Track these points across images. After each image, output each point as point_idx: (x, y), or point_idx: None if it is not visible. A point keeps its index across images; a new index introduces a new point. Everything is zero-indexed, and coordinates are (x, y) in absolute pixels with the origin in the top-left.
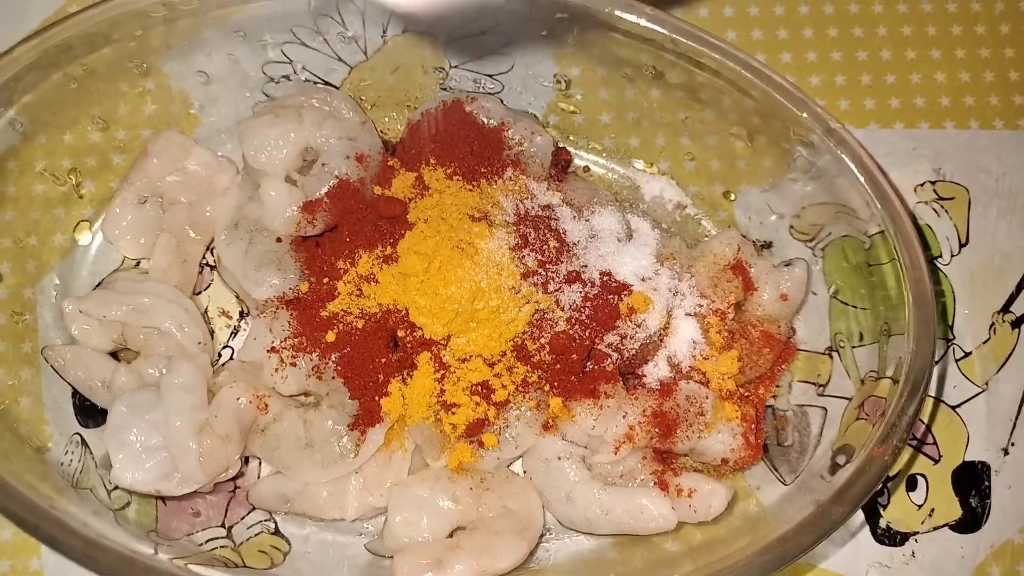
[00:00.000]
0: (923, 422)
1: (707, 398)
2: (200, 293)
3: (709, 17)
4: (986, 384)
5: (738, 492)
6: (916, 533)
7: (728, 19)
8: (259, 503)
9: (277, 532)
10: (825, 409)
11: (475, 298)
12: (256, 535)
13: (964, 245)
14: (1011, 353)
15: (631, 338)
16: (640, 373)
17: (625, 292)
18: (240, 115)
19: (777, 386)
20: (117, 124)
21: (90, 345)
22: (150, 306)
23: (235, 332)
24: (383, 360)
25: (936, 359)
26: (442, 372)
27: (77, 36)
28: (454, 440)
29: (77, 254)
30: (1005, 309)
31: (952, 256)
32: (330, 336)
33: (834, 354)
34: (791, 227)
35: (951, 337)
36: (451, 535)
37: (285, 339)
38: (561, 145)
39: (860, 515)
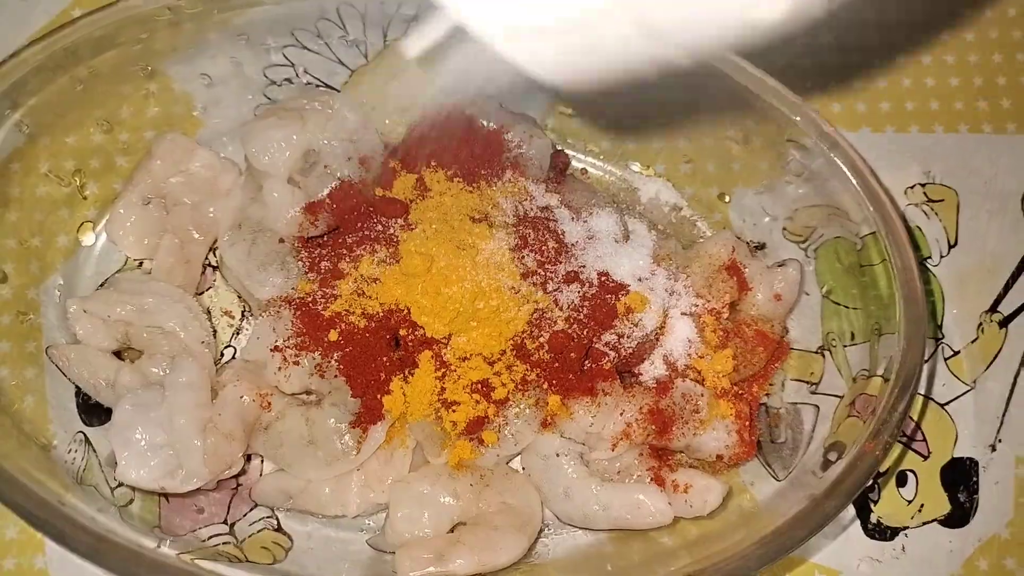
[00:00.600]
0: (913, 419)
1: (702, 396)
2: (203, 293)
3: None
4: (974, 382)
5: (733, 488)
6: (906, 528)
7: None
8: (262, 500)
9: (279, 529)
10: (817, 407)
11: (476, 298)
12: (259, 531)
13: (953, 246)
14: (998, 352)
15: (628, 337)
16: (637, 371)
17: (622, 292)
18: (243, 117)
19: (771, 384)
20: (121, 126)
21: (94, 344)
22: (154, 306)
23: (238, 332)
24: (385, 359)
25: (926, 358)
26: (443, 370)
27: (83, 39)
28: (454, 437)
29: (81, 255)
30: (993, 309)
31: (941, 257)
32: (332, 335)
33: (826, 353)
34: (784, 229)
35: (940, 336)
36: (452, 530)
37: (288, 338)
38: (559, 148)
39: (851, 510)
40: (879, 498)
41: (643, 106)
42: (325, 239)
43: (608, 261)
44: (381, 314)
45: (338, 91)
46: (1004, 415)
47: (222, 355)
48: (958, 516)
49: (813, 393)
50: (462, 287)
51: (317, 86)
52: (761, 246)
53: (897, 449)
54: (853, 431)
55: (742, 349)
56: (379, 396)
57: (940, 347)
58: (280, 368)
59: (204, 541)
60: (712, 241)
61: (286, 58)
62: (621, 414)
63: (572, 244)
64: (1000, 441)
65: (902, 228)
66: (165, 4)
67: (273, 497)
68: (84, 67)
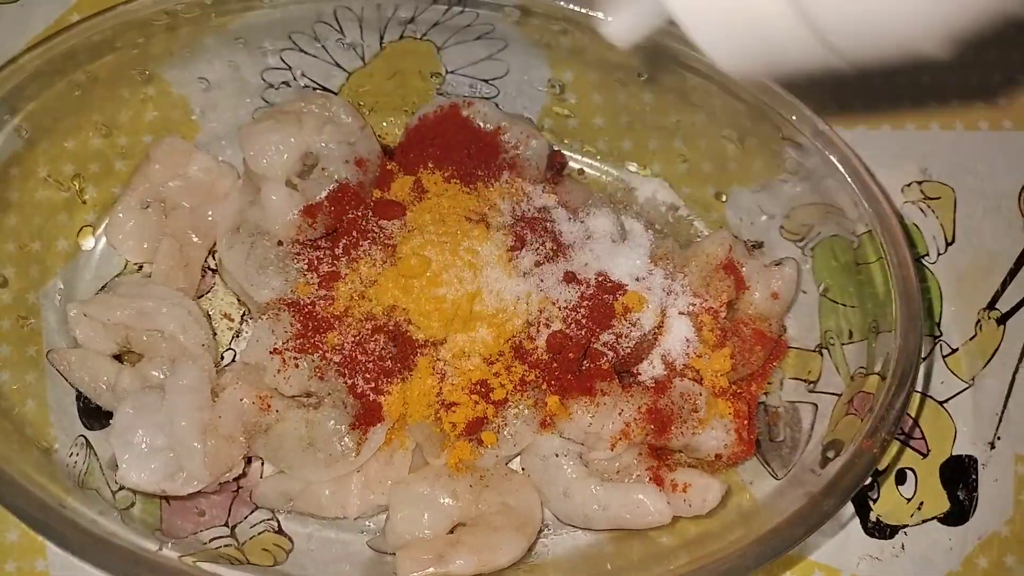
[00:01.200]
0: (911, 417)
1: (701, 395)
2: (202, 296)
3: None
4: (972, 380)
5: (731, 486)
6: (905, 526)
7: None
8: (262, 502)
9: (280, 531)
10: (815, 405)
11: (474, 299)
12: (260, 534)
13: (950, 244)
14: (996, 349)
15: (626, 337)
16: (635, 371)
17: (620, 292)
18: (240, 121)
19: (769, 383)
20: (119, 130)
21: (94, 348)
22: (153, 309)
23: (237, 334)
24: (384, 360)
25: (923, 356)
26: (442, 372)
27: (81, 44)
28: (454, 438)
29: (81, 259)
30: (991, 306)
31: (939, 255)
32: (331, 337)
33: (824, 351)
34: (781, 227)
35: (938, 334)
36: (452, 531)
37: (287, 341)
38: (556, 148)
39: (850, 508)
40: (878, 496)
41: (640, 105)
42: (323, 241)
43: (606, 261)
44: (379, 316)
45: (335, 94)
46: (1003, 412)
47: (222, 358)
48: (957, 514)
49: (811, 391)
50: (460, 288)
51: (314, 89)
52: (758, 245)
53: (896, 447)
54: (851, 429)
55: (740, 348)
56: (378, 398)
57: (938, 345)
58: (280, 370)
59: (205, 543)
60: (709, 240)
61: (283, 61)
62: (620, 414)
63: (569, 244)
64: (999, 438)
65: (898, 225)
66: (162, 9)
67: (273, 499)
68: (82, 72)
